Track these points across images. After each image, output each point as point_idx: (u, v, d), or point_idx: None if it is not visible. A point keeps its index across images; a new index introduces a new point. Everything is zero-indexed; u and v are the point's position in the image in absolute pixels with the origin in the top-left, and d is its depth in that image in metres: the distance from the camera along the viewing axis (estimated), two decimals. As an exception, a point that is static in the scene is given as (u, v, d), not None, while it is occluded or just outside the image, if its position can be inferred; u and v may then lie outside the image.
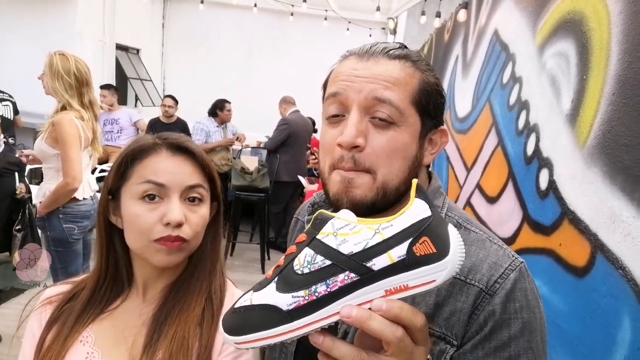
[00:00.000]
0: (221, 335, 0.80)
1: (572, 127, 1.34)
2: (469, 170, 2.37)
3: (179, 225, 0.77)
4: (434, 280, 0.47)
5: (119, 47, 6.70)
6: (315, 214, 0.52)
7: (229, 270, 0.97)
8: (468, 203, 2.24)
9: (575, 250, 1.23)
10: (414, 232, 0.48)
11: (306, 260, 0.49)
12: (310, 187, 2.99)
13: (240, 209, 4.67)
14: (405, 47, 0.70)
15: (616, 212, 1.08)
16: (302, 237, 0.52)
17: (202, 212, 0.82)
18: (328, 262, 0.48)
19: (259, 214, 4.70)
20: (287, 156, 4.91)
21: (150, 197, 0.78)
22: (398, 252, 0.47)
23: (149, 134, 0.86)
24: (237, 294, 0.89)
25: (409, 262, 0.47)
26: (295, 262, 0.50)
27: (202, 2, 6.31)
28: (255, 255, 4.68)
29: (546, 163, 1.47)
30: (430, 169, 0.77)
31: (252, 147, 5.68)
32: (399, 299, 0.48)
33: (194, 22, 7.73)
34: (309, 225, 0.52)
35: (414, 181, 0.50)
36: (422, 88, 0.67)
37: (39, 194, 2.40)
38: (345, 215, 0.51)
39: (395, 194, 0.66)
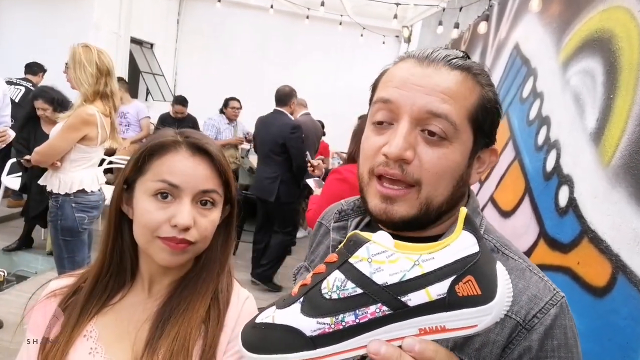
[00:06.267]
0: (226, 335, 0.81)
1: (596, 145, 1.33)
2: (482, 183, 2.36)
3: (186, 228, 0.76)
4: (475, 326, 0.44)
5: (133, 40, 6.74)
6: (349, 234, 0.49)
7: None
8: (480, 216, 2.23)
9: (595, 270, 1.22)
10: (458, 269, 0.44)
11: (335, 285, 0.46)
12: (317, 192, 2.96)
13: (245, 208, 4.67)
14: (468, 56, 0.66)
15: (641, 234, 1.06)
16: (333, 257, 0.48)
17: (213, 217, 0.81)
18: (359, 291, 0.45)
19: (265, 214, 4.69)
20: (296, 158, 4.90)
21: (163, 196, 0.77)
22: (438, 290, 0.43)
23: (170, 128, 0.85)
24: (242, 294, 0.89)
25: (450, 302, 0.43)
26: (324, 284, 0.47)
27: (219, 0, 6.33)
28: (258, 255, 4.66)
29: (567, 180, 1.45)
30: None
31: (261, 147, 5.70)
32: (433, 340, 0.44)
33: (209, 20, 7.78)
34: (342, 245, 0.49)
35: (463, 210, 0.46)
36: (480, 104, 0.63)
37: (47, 177, 2.42)
38: (382, 239, 0.47)
39: (437, 212, 0.64)
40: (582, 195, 1.36)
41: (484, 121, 0.64)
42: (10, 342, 2.48)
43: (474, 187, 2.43)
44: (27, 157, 2.48)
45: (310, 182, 3.13)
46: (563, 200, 1.45)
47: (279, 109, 3.97)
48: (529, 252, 1.60)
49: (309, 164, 3.29)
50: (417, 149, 0.61)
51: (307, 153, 3.35)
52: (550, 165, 1.59)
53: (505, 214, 1.92)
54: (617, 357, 1.07)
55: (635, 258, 1.07)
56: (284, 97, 3.96)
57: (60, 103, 3.26)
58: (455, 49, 0.67)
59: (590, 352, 1.14)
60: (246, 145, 5.45)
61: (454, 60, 0.62)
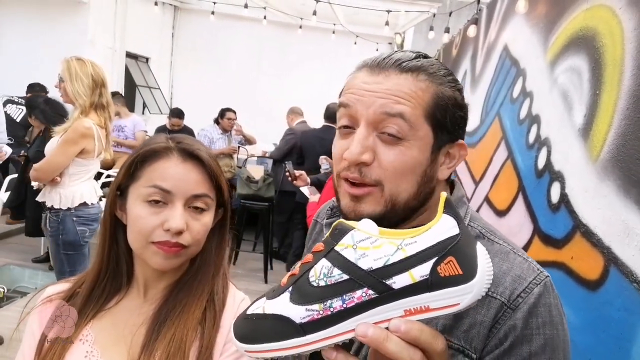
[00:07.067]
0: (222, 336, 0.82)
1: (585, 141, 1.35)
2: (477, 183, 2.38)
3: (179, 232, 0.78)
4: (457, 304, 0.45)
5: (129, 55, 6.79)
6: (334, 223, 0.50)
7: (232, 279, 0.96)
8: (476, 216, 2.24)
9: (588, 264, 1.23)
10: (440, 250, 0.45)
11: (322, 272, 0.47)
12: (313, 199, 2.97)
13: (244, 218, 4.67)
14: (424, 56, 0.67)
15: (630, 226, 1.08)
16: (320, 246, 0.50)
17: (205, 221, 0.83)
18: (345, 277, 0.46)
19: (263, 223, 4.70)
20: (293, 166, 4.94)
21: (155, 201, 0.79)
22: (421, 272, 0.45)
23: (163, 134, 0.87)
24: (238, 296, 0.89)
25: (432, 283, 0.45)
26: (311, 273, 0.48)
27: (212, 13, 6.40)
28: (258, 264, 4.66)
29: (558, 176, 1.47)
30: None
31: (258, 156, 5.72)
32: (418, 320, 0.46)
33: (204, 33, 7.85)
34: (327, 234, 0.50)
35: (443, 194, 0.47)
36: (435, 102, 0.64)
37: (46, 193, 2.42)
38: (366, 226, 0.49)
39: (405, 208, 0.66)
40: (573, 190, 1.37)
41: (444, 117, 0.65)
42: (6, 357, 2.46)
43: (469, 188, 2.46)
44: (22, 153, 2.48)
45: (304, 190, 3.13)
46: (555, 196, 1.47)
47: (329, 125, 4.28)
48: (524, 250, 1.61)
49: (288, 175, 3.23)
50: (376, 150, 0.63)
51: (288, 163, 3.30)
52: (541, 162, 1.61)
53: (501, 213, 1.93)
54: (612, 348, 1.07)
55: (627, 250, 1.08)
56: (334, 114, 4.18)
57: (33, 107, 3.22)
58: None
59: (586, 345, 1.15)
60: (243, 155, 5.48)
61: (404, 64, 0.64)
